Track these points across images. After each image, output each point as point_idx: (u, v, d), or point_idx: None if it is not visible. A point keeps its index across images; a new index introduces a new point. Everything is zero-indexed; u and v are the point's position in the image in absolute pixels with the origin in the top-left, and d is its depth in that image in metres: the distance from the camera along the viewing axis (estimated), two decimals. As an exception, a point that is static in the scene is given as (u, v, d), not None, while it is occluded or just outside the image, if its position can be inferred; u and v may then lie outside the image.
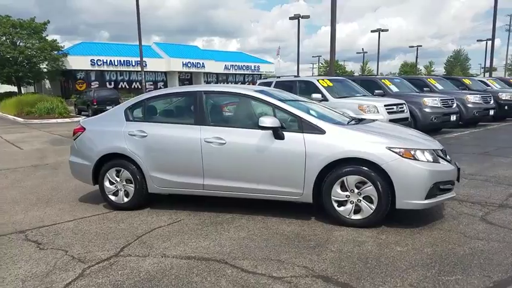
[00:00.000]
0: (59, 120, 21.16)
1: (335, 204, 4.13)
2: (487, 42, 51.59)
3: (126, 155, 4.89)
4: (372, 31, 46.14)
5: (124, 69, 42.82)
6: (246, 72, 52.48)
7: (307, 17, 37.62)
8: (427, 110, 10.97)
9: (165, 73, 46.50)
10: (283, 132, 4.25)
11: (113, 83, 42.59)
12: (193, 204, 5.08)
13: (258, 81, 12.97)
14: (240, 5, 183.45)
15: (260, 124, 4.19)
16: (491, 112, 13.24)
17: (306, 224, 4.27)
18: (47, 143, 12.16)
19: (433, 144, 4.29)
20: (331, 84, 10.40)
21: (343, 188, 4.09)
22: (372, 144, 4.01)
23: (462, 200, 4.86)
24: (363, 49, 65.23)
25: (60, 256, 3.67)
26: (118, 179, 5.00)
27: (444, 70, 72.49)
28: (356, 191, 4.05)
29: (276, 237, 3.94)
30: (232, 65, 50.57)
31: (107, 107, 23.53)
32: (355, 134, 4.18)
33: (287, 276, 3.09)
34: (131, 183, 4.94)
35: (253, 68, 53.00)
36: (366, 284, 2.93)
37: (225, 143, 4.44)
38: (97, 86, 38.50)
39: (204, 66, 47.14)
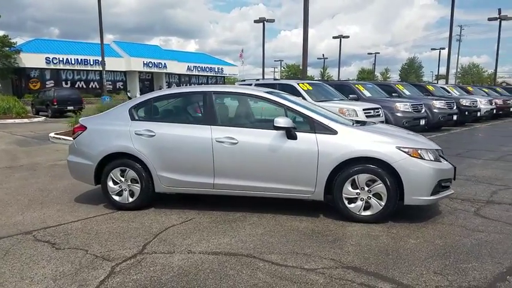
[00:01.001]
0: (17, 120, 20.12)
1: (346, 202, 4.36)
2: (440, 51, 54.71)
3: (133, 154, 4.86)
4: (333, 37, 47.59)
5: (81, 68, 41.36)
6: (209, 74, 52.31)
7: (272, 20, 38.25)
8: (398, 114, 11.57)
9: (125, 73, 45.40)
10: (296, 133, 4.42)
11: (69, 82, 41.00)
12: (199, 203, 5.14)
13: (236, 83, 13.07)
14: (199, 5, 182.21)
15: (275, 124, 4.34)
16: (455, 117, 14.14)
17: (317, 220, 4.46)
18: (13, 144, 11.63)
19: (433, 144, 4.62)
20: (310, 88, 10.71)
21: (354, 185, 4.32)
22: (382, 144, 4.27)
23: (452, 197, 5.25)
24: (323, 55, 67.17)
25: (82, 255, 3.63)
26: (122, 179, 4.95)
27: (399, 77, 75.80)
28: (366, 188, 4.29)
29: (293, 233, 4.10)
30: (195, 66, 50.23)
31: (68, 107, 22.73)
32: (365, 134, 4.43)
33: (318, 268, 3.26)
34: (137, 182, 4.91)
35: (216, 70, 52.93)
36: (394, 273, 3.16)
37: (237, 143, 4.55)
38: (52, 85, 36.90)
39: (166, 67, 46.51)
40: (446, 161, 4.58)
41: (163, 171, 4.81)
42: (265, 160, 4.51)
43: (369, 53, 60.56)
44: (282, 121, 4.33)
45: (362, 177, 4.27)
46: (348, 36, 48.29)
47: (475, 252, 3.53)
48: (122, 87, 44.34)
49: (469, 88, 21.22)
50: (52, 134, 12.60)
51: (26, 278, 3.20)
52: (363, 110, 9.79)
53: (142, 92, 44.79)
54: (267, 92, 4.89)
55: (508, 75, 78.52)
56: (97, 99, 33.88)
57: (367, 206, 4.32)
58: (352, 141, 4.32)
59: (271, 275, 3.15)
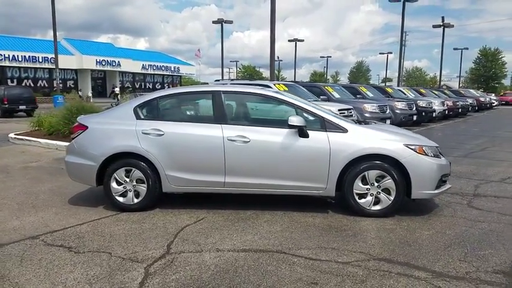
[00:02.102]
0: (-37, 120, 18.72)
1: (356, 197, 4.54)
2: (387, 56, 57.38)
3: (139, 154, 4.76)
4: (289, 40, 48.51)
5: (29, 65, 39.16)
6: (165, 73, 51.34)
7: (231, 22, 38.44)
8: (367, 115, 12.09)
9: (76, 71, 43.56)
10: (307, 131, 4.54)
11: (15, 80, 38.66)
12: (205, 202, 5.11)
13: (210, 83, 12.99)
14: (149, 4, 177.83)
15: (289, 123, 4.44)
16: (415, 117, 14.95)
17: (328, 216, 4.61)
18: (-29, 145, 10.83)
19: (432, 142, 4.92)
20: (286, 88, 10.88)
21: (364, 181, 4.51)
22: (391, 142, 4.50)
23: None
24: (278, 57, 67.87)
25: (107, 258, 3.53)
26: (127, 179, 4.83)
27: (348, 80, 78.54)
28: (376, 184, 4.50)
29: (312, 229, 4.21)
30: (151, 65, 49.10)
31: (20, 107, 21.43)
32: (373, 132, 4.65)
33: (352, 261, 3.40)
34: (143, 183, 4.81)
35: (172, 69, 52.03)
36: (424, 262, 3.37)
37: (249, 141, 4.59)
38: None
39: (119, 65, 45.07)
40: (443, 157, 4.90)
41: (172, 170, 4.74)
42: (278, 158, 4.59)
43: (321, 57, 63.14)
44: (295, 120, 4.44)
45: (372, 174, 4.47)
46: (302, 40, 49.54)
47: (486, 241, 3.83)
48: (72, 86, 42.43)
49: (422, 90, 22.49)
50: (12, 135, 11.87)
51: (57, 284, 3.07)
52: (338, 110, 10.09)
53: (94, 91, 43.16)
54: (276, 92, 4.97)
55: (448, 79, 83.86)
56: (46, 99, 32.24)
57: (377, 201, 4.53)
58: (363, 139, 4.51)
59: (310, 269, 3.24)
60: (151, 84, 51.27)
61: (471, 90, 34.41)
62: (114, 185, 4.86)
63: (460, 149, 10.04)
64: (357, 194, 4.54)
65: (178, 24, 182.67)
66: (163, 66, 50.65)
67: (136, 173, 4.80)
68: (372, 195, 4.52)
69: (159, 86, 50.97)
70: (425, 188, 4.47)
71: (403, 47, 62.27)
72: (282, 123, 4.78)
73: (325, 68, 67.34)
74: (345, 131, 4.55)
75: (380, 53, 55.79)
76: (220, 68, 39.39)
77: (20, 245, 3.86)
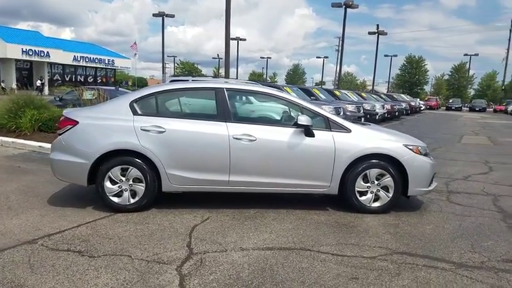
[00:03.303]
0: None
1: (358, 195, 4.72)
2: (324, 60, 59.69)
3: (138, 151, 4.54)
4: (232, 39, 48.42)
5: None
6: (98, 65, 48.65)
7: (172, 16, 37.52)
8: (348, 113, 13.78)
9: (-3, 60, 39.74)
10: (313, 131, 4.64)
11: None
12: (203, 201, 5.00)
13: (170, 79, 12.64)
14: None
15: (299, 122, 4.50)
16: (362, 119, 15.76)
17: (331, 213, 4.74)
18: None
19: (422, 142, 5.25)
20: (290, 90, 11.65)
21: (365, 179, 4.71)
22: (391, 142, 4.75)
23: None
24: (218, 55, 68.05)
25: (129, 261, 3.35)
26: (123, 178, 4.58)
27: (285, 81, 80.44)
28: (376, 182, 4.71)
29: (322, 226, 4.31)
30: (83, 57, 46.21)
31: None
32: (374, 133, 4.87)
33: (378, 256, 3.55)
34: (140, 182, 4.59)
35: (107, 61, 49.44)
36: (441, 254, 3.61)
37: (255, 140, 4.58)
38: None
39: (48, 56, 41.86)
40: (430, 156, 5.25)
41: (173, 169, 4.58)
42: (284, 157, 4.63)
43: (261, 57, 63.72)
44: (304, 119, 4.51)
45: (373, 172, 4.68)
46: (245, 39, 49.76)
47: (483, 233, 4.19)
48: (-6, 76, 38.72)
49: (363, 94, 23.76)
50: None
51: (89, 290, 2.85)
52: (334, 108, 11.25)
53: (19, 83, 39.76)
54: (279, 91, 5.01)
55: (375, 84, 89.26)
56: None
57: (376, 198, 4.75)
58: (365, 139, 4.71)
59: (343, 265, 3.33)
60: (82, 77, 48.36)
61: (402, 95, 36.98)
62: (108, 184, 4.58)
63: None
64: (358, 191, 4.72)
65: (109, 15, 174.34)
66: (96, 58, 47.98)
67: (134, 172, 4.57)
68: (372, 192, 4.74)
69: (92, 80, 48.30)
70: (420, 186, 4.77)
71: (337, 52, 65.22)
72: (287, 122, 4.85)
73: (264, 69, 68.80)
74: (348, 131, 4.71)
75: (317, 57, 58.74)
76: (155, 63, 38.27)
77: (19, 250, 3.51)
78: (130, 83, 55.98)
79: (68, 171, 4.68)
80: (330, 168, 4.64)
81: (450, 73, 74.97)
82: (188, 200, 5.05)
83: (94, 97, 13.77)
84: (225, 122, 4.64)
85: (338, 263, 3.38)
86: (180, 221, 4.35)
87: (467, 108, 47.40)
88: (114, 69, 51.77)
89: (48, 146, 7.28)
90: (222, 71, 74.68)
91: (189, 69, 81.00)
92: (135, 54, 48.18)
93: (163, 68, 39.48)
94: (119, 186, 4.59)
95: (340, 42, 32.09)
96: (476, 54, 61.09)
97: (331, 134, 4.67)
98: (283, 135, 4.64)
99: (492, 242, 3.95)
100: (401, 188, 4.74)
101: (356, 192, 4.71)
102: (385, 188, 4.73)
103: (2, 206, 4.74)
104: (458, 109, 45.96)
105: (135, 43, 48.47)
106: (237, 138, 4.56)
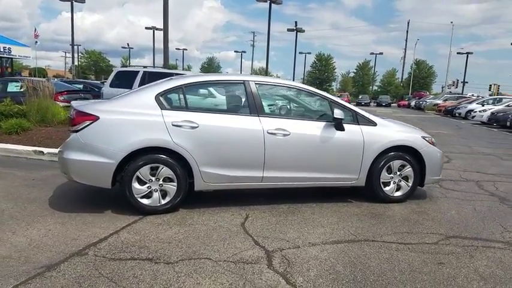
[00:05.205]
0: None
1: (382, 185, 4.95)
2: (242, 54, 60.29)
3: (170, 148, 4.24)
4: (146, 28, 46.84)
5: None
6: (-9, 54, 43.14)
7: (83, 1, 34.88)
8: None
9: None
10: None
11: None
12: (225, 200, 4.84)
13: (116, 70, 11.78)
14: None
15: (336, 116, 4.57)
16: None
17: (358, 205, 4.89)
18: None
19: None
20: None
21: (389, 171, 4.95)
22: (412, 134, 5.07)
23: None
24: (128, 44, 65.30)
25: (214, 264, 3.16)
26: (153, 178, 4.25)
27: (201, 74, 79.68)
28: (398, 172, 4.98)
29: (363, 217, 4.44)
30: (-31, 44, 40.60)
31: None
32: (396, 126, 5.14)
33: (438, 241, 3.77)
34: (171, 181, 4.30)
35: (2, 49, 43.98)
36: (485, 235, 3.98)
37: (289, 134, 4.55)
38: None
39: None
40: None
41: (207, 166, 4.36)
42: (316, 151, 4.67)
43: (177, 49, 62.19)
44: (339, 113, 4.60)
45: (396, 163, 4.95)
46: (161, 29, 48.06)
47: (499, 214, 4.68)
48: None
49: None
50: None
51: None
52: None
53: None
54: (304, 85, 5.01)
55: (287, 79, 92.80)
56: None
57: (398, 188, 5.03)
58: (390, 132, 4.95)
59: (420, 252, 3.50)
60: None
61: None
62: (136, 185, 4.21)
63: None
64: (383, 182, 4.95)
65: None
66: (-13, 45, 42.52)
67: (165, 171, 4.26)
68: (394, 182, 5.00)
69: (-19, 69, 42.73)
70: (434, 175, 5.16)
71: (252, 48, 66.34)
72: (317, 116, 4.90)
73: (178, 61, 67.09)
74: (374, 124, 4.90)
75: (235, 51, 58.60)
76: (54, 52, 35.34)
77: (76, 263, 3.10)
78: (23, 74, 50.64)
79: (90, 173, 4.19)
80: (359, 160, 4.79)
81: (355, 70, 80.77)
82: (202, 198, 4.84)
83: (22, 89, 12.35)
84: (258, 116, 4.53)
85: (413, 250, 3.54)
86: (223, 220, 4.18)
87: (375, 104, 51.58)
88: (11, 58, 46.40)
89: None
90: (133, 61, 71.48)
91: (95, 59, 76.13)
92: (36, 42, 43.86)
93: (73, 58, 36.57)
94: (148, 187, 4.25)
95: (267, 37, 32.64)
96: (381, 53, 66.56)
97: (359, 127, 4.82)
98: (315, 129, 4.68)
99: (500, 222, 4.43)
100: (418, 177, 5.07)
101: (381, 183, 4.93)
102: (405, 178, 5.03)
103: (1, 216, 4.10)
104: (367, 104, 49.81)
105: (35, 30, 43.98)
106: (271, 133, 4.49)
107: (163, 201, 4.30)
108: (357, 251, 3.49)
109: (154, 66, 15.34)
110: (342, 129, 4.72)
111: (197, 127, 4.31)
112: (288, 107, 5.18)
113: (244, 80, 4.69)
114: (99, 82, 26.51)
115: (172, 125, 4.25)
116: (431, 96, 48.33)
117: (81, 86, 16.29)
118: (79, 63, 68.15)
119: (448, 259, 3.37)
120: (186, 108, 4.46)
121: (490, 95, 41.32)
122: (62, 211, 4.29)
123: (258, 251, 3.40)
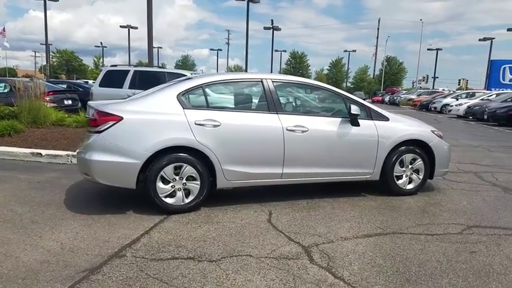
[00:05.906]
0: None
1: (395, 179, 5.08)
2: (218, 52, 60.08)
3: (194, 147, 4.23)
4: (121, 26, 45.97)
5: None
6: (-39, 55, 41.43)
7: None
8: None
9: None
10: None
11: None
12: (243, 197, 4.86)
13: (105, 69, 11.51)
14: None
15: (353, 112, 4.67)
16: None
17: (373, 198, 5.00)
18: None
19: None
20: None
21: (401, 164, 5.09)
22: (422, 129, 5.22)
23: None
24: (101, 43, 63.87)
25: (256, 260, 3.18)
26: (177, 177, 4.23)
27: (176, 73, 78.86)
28: (410, 166, 5.13)
29: (383, 211, 4.54)
30: None
31: None
32: (408, 121, 5.28)
33: (462, 231, 3.91)
34: (194, 180, 4.30)
35: (-31, 49, 42.33)
36: (503, 223, 4.16)
37: (307, 131, 4.61)
38: None
39: None
40: None
41: (229, 164, 4.37)
42: (334, 146, 4.75)
43: (156, 47, 61.11)
44: (355, 108, 4.70)
45: (408, 157, 5.09)
46: (136, 28, 47.41)
47: (507, 205, 4.87)
48: None
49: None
50: None
51: (259, 296, 2.66)
52: None
53: None
54: (319, 82, 5.09)
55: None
56: None
57: (410, 181, 5.17)
58: (402, 126, 5.09)
59: (449, 242, 3.62)
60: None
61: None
62: (160, 184, 4.18)
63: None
64: (396, 176, 5.08)
65: None
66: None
67: (188, 169, 4.25)
68: (406, 176, 5.14)
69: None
70: (443, 167, 5.34)
71: (227, 46, 66.15)
72: (333, 112, 4.98)
73: (158, 59, 66.19)
74: (386, 119, 5.02)
75: (211, 49, 58.59)
76: (22, 52, 34.39)
77: (118, 265, 3.06)
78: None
79: (114, 174, 4.14)
80: (374, 155, 4.91)
81: (329, 68, 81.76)
82: (220, 196, 4.86)
83: (6, 90, 11.98)
84: (277, 113, 4.57)
85: (442, 241, 3.66)
86: (248, 217, 4.21)
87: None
88: (-21, 58, 44.66)
89: None
90: (104, 60, 70.03)
91: (67, 58, 74.18)
92: (6, 41, 42.25)
93: (48, 57, 35.55)
94: (171, 186, 4.23)
95: (245, 36, 32.65)
96: (354, 51, 67.77)
97: (373, 122, 4.93)
98: (332, 125, 4.76)
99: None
100: (428, 170, 5.23)
101: (394, 177, 5.07)
102: (416, 171, 5.18)
103: (21, 220, 4.00)
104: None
105: (3, 29, 42.43)
106: (290, 130, 4.54)
107: (187, 200, 4.29)
108: (390, 243, 3.59)
109: (136, 65, 15.08)
110: (357, 124, 4.82)
111: (219, 125, 4.31)
112: (305, 104, 5.24)
113: (262, 78, 4.72)
114: (83, 82, 25.86)
115: (195, 124, 4.24)
116: (404, 91, 49.53)
117: (65, 86, 15.85)
118: (50, 62, 66.12)
119: (478, 248, 3.51)
120: (207, 107, 4.45)
121: (458, 89, 42.75)
122: (83, 213, 4.21)
123: (295, 247, 3.45)
